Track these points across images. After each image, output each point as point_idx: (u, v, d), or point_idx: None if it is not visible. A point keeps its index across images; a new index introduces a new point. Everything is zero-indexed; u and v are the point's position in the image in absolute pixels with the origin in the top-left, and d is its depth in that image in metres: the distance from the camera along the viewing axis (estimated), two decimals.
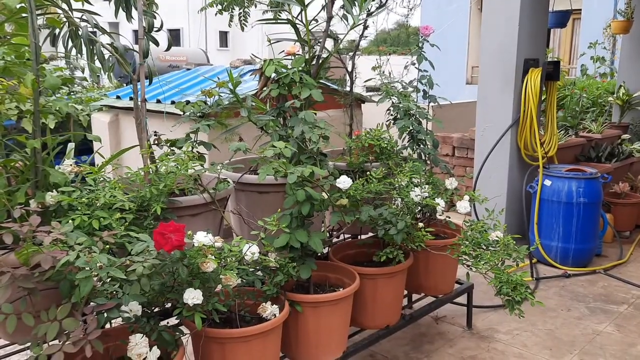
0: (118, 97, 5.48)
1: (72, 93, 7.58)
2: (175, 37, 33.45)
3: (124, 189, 2.24)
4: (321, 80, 3.42)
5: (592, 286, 4.07)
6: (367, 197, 2.61)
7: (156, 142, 2.54)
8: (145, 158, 2.50)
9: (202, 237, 1.86)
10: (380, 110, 3.51)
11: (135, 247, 1.75)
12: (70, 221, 1.92)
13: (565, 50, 14.77)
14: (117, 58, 2.50)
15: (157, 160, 2.37)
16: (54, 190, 2.11)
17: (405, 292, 3.12)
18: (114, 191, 2.05)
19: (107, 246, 1.81)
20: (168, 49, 2.72)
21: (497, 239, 2.55)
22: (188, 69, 6.22)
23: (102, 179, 2.24)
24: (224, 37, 32.16)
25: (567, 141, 5.51)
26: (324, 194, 2.49)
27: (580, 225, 4.29)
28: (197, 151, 2.52)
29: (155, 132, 2.58)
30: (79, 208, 2.00)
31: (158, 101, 4.94)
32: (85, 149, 6.77)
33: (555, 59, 5.78)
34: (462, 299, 3.39)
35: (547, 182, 4.39)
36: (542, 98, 4.63)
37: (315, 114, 3.04)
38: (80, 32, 2.48)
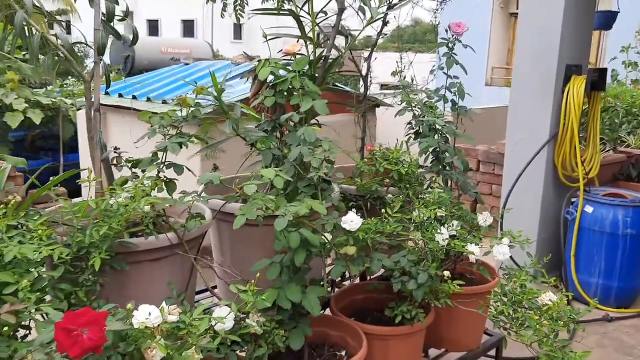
0: (107, 94, 4.95)
1: (64, 85, 7.08)
2: (188, 28, 33.01)
3: (66, 231, 1.70)
4: (335, 82, 2.85)
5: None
6: (381, 241, 2.04)
7: (115, 162, 1.99)
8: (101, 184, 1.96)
9: (143, 315, 1.31)
10: (400, 117, 2.96)
11: (39, 337, 1.20)
12: None
13: (591, 53, 14.05)
14: (64, 53, 1.94)
15: (110, 189, 1.82)
16: None
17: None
18: (30, 240, 1.50)
19: (6, 328, 1.26)
20: (133, 43, 2.16)
21: (549, 302, 1.98)
22: (187, 64, 5.68)
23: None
24: (238, 30, 31.63)
25: (604, 157, 4.91)
26: (325, 235, 1.93)
27: (625, 260, 3.69)
28: (165, 176, 1.96)
29: (115, 148, 2.03)
30: None
31: (148, 99, 4.40)
32: (75, 146, 6.25)
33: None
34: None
35: (589, 209, 3.79)
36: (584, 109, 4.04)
37: (320, 126, 2.48)
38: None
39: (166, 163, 1.96)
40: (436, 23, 3.22)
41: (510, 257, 3.16)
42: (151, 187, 1.78)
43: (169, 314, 1.43)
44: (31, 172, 2.39)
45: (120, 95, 4.87)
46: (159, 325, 1.36)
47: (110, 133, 5.00)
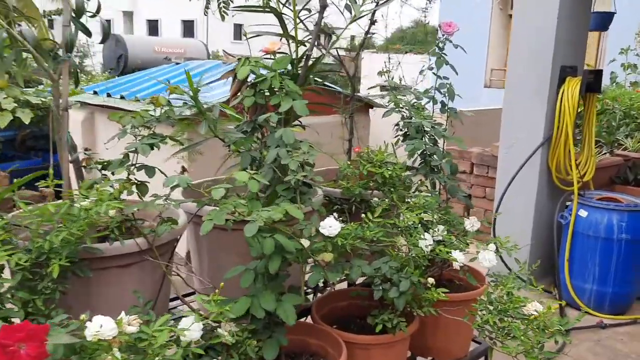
0: (95, 93, 4.87)
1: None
2: (189, 28, 32.93)
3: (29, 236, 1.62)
4: (318, 80, 2.77)
5: (634, 341, 3.39)
6: (361, 247, 1.96)
7: (84, 164, 1.91)
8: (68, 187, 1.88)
9: (95, 327, 1.23)
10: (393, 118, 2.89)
11: None
12: None
13: (590, 55, 13.96)
14: (31, 51, 1.86)
15: (77, 192, 1.75)
16: None
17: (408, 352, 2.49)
18: None
19: None
20: (103, 40, 2.08)
21: (535, 312, 1.90)
22: (177, 63, 5.61)
23: None
24: (238, 30, 31.55)
25: (601, 160, 4.83)
26: (303, 241, 1.85)
27: (620, 266, 3.61)
28: (136, 179, 1.89)
29: (85, 149, 1.95)
30: None
31: (137, 100, 4.33)
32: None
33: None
34: None
35: (583, 213, 3.71)
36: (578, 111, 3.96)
37: (304, 127, 2.41)
38: None
39: (137, 165, 1.87)
40: (426, 22, 3.13)
41: (503, 262, 3.10)
42: (119, 190, 1.70)
43: (129, 325, 1.35)
44: (24, 172, 2.31)
45: (109, 95, 4.79)
46: (115, 337, 1.29)
47: (98, 133, 4.92)
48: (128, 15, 38.96)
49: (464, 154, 5.13)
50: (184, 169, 1.96)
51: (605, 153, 5.17)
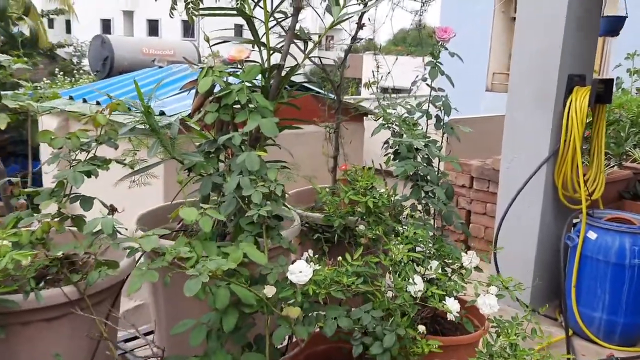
0: (71, 98, 4.57)
1: (38, 87, 6.68)
2: (188, 28, 32.61)
3: None
4: (306, 85, 2.47)
5: None
6: (338, 295, 1.65)
7: (11, 192, 1.61)
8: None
9: None
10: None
11: None
12: None
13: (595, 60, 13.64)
14: None
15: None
16: None
17: None
18: None
19: None
20: (30, 43, 1.77)
21: None
22: (160, 67, 5.31)
23: None
24: (239, 32, 31.26)
25: (609, 174, 4.52)
26: (267, 289, 1.55)
27: (632, 294, 3.30)
28: (70, 214, 1.58)
29: (14, 177, 1.65)
30: None
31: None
32: None
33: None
34: None
35: (592, 235, 3.40)
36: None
37: (279, 147, 2.11)
38: None
39: (71, 195, 1.57)
40: (422, 26, 2.84)
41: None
42: (42, 229, 1.40)
43: None
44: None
45: (84, 101, 4.49)
46: None
47: None
48: (128, 15, 38.71)
49: (463, 166, 4.82)
50: (113, 209, 1.65)
51: (613, 166, 4.87)
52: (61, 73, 8.83)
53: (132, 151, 1.86)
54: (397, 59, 3.00)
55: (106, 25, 37.49)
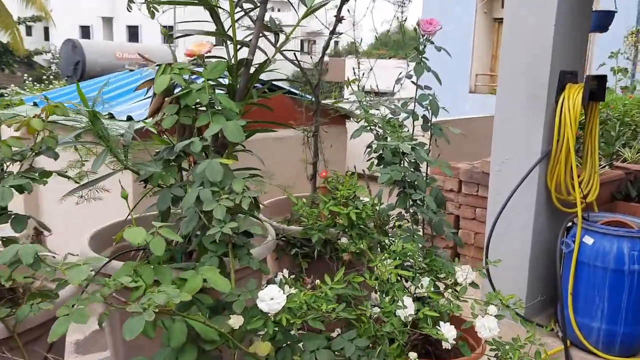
0: (35, 105, 4.29)
1: (5, 95, 6.37)
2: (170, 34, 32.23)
3: None
4: (280, 85, 2.25)
5: None
6: (316, 325, 1.43)
7: None
8: None
9: None
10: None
11: None
12: None
13: None
14: None
15: None
16: None
17: None
18: None
19: None
20: None
21: None
22: (131, 70, 5.06)
23: None
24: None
25: (601, 175, 4.35)
26: (232, 319, 1.32)
27: (632, 302, 3.13)
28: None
29: None
30: None
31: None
32: None
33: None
34: None
35: (588, 240, 3.22)
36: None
37: (251, 152, 1.89)
38: None
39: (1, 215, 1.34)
40: (403, 20, 2.64)
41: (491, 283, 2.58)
42: None
43: None
44: None
45: (35, 105, 4.21)
46: None
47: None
48: (107, 21, 38.22)
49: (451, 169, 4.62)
50: (38, 233, 1.41)
51: (604, 166, 4.72)
52: (30, 79, 8.55)
53: (79, 162, 1.62)
54: (376, 60, 2.80)
55: (85, 31, 37.02)
